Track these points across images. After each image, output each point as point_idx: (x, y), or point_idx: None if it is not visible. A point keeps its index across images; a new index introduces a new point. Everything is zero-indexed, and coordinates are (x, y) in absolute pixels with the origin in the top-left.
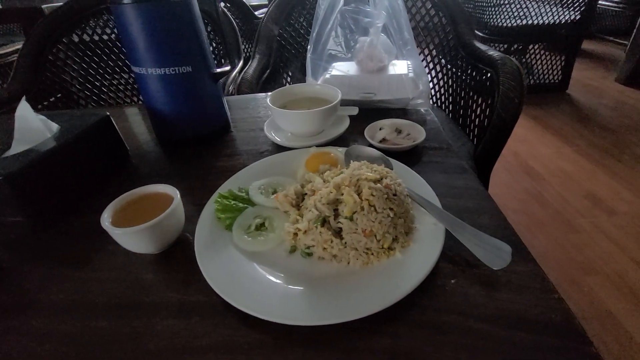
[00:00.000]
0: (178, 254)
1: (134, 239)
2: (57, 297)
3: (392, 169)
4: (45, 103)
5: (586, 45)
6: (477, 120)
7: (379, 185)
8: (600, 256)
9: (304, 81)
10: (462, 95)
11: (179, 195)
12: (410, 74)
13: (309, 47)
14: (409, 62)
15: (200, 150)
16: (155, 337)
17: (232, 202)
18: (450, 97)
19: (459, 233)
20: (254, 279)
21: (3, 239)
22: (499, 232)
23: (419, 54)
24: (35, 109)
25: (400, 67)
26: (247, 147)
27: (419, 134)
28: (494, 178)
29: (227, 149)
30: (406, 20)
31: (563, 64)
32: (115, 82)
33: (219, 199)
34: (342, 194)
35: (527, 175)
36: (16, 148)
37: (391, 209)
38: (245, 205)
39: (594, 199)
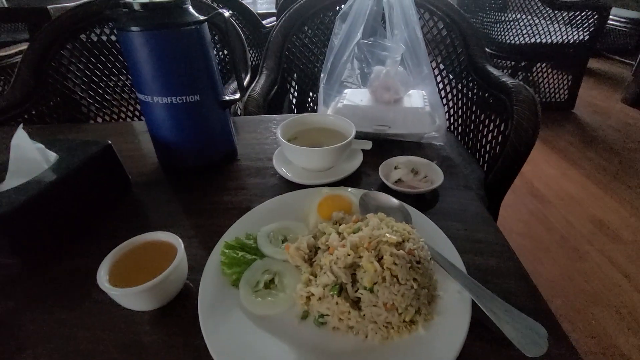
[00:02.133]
0: (179, 309)
1: (133, 300)
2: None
3: (411, 221)
4: (45, 108)
5: (592, 63)
6: (488, 146)
7: (401, 252)
8: (607, 286)
9: (310, 98)
10: (473, 118)
11: (182, 246)
12: (427, 108)
13: (322, 75)
14: (424, 93)
15: (206, 179)
16: None
17: (240, 254)
18: (460, 119)
19: (487, 307)
20: (264, 350)
21: None
22: (527, 303)
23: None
24: (36, 111)
25: (416, 98)
26: (254, 180)
27: (436, 176)
28: None
29: (233, 181)
30: (425, 54)
31: (570, 83)
32: (118, 89)
33: (226, 250)
34: (361, 257)
35: (533, 196)
36: (10, 182)
37: (415, 279)
38: (253, 256)
39: (600, 224)
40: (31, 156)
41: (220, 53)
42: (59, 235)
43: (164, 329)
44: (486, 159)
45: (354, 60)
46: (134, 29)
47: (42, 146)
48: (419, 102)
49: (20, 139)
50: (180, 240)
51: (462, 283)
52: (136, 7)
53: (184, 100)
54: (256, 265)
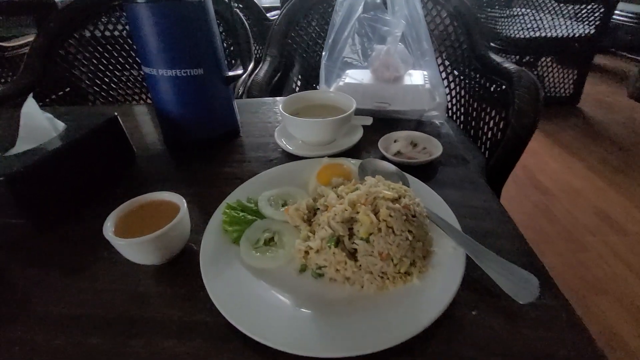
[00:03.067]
0: (181, 265)
1: (137, 250)
2: (52, 308)
3: (408, 186)
4: (53, 97)
5: (598, 59)
6: (489, 132)
7: (397, 205)
8: (609, 276)
9: (314, 86)
10: (475, 106)
11: (185, 205)
12: (427, 85)
13: (324, 53)
14: (425, 73)
15: (208, 154)
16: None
17: (241, 213)
18: (462, 108)
19: (481, 260)
20: (262, 300)
21: (3, 241)
22: (521, 259)
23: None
24: (43, 102)
25: (416, 77)
26: (256, 154)
27: (435, 149)
28: (502, 191)
29: (235, 155)
30: (425, 30)
31: (575, 77)
32: (124, 78)
33: (227, 210)
34: (358, 213)
35: (536, 189)
36: (20, 146)
37: (410, 232)
38: (254, 217)
39: (604, 217)
40: (40, 124)
41: (225, 43)
42: (66, 200)
43: (168, 283)
44: (487, 146)
45: (355, 36)
46: (140, 0)
47: (51, 116)
48: (420, 80)
49: (30, 107)
50: (183, 199)
51: (456, 239)
52: None
53: (188, 74)
54: (257, 225)
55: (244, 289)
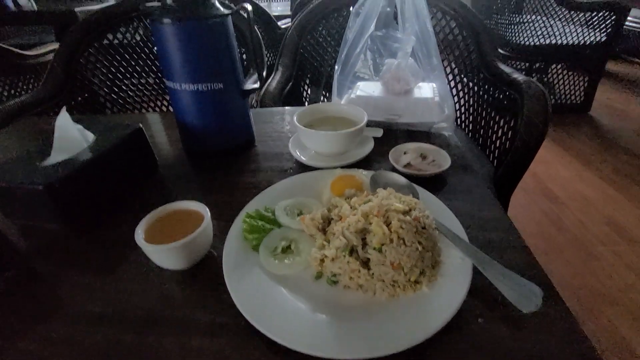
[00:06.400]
0: (205, 270)
1: (165, 256)
2: (86, 307)
3: (418, 198)
4: (72, 103)
5: (610, 66)
6: (498, 142)
7: (408, 217)
8: (620, 287)
9: (324, 93)
10: (484, 115)
11: (209, 214)
12: (436, 98)
13: (336, 67)
14: (434, 85)
15: (226, 163)
16: (185, 356)
17: (259, 222)
18: (471, 117)
19: (487, 270)
20: (281, 304)
21: (39, 244)
22: (526, 270)
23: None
24: (59, 109)
25: (426, 90)
26: (271, 164)
27: (444, 161)
28: (511, 199)
29: (251, 164)
30: (435, 46)
31: (586, 84)
32: (141, 86)
33: (247, 219)
34: (371, 224)
35: (546, 197)
36: (55, 157)
37: (420, 243)
38: (272, 226)
39: (615, 226)
40: (72, 135)
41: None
42: (96, 206)
43: (192, 285)
44: (496, 155)
45: (367, 52)
46: (166, 21)
47: (82, 127)
48: (429, 93)
49: (64, 119)
50: (207, 208)
51: (463, 250)
52: (168, 1)
53: (209, 88)
54: (274, 233)
55: (263, 293)
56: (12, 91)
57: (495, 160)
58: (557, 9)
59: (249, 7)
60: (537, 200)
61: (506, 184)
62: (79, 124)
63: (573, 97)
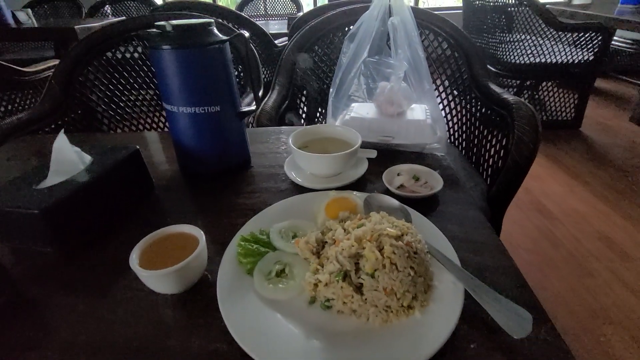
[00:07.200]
0: (199, 294)
1: (159, 281)
2: (78, 336)
3: (411, 221)
4: (67, 119)
5: (600, 83)
6: (490, 160)
7: (400, 242)
8: (616, 304)
9: (320, 110)
10: (476, 133)
11: (204, 238)
12: (429, 120)
13: (331, 90)
14: (426, 107)
15: (222, 184)
16: None
17: (254, 246)
18: (464, 134)
19: (479, 295)
20: (274, 330)
21: (31, 268)
22: (517, 295)
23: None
24: (56, 126)
25: (418, 112)
26: (267, 185)
27: (436, 183)
28: (506, 214)
29: (248, 186)
30: (427, 72)
31: (576, 101)
32: (138, 102)
33: (241, 243)
34: (364, 248)
35: (539, 213)
36: (52, 179)
37: (412, 268)
38: (267, 249)
39: (609, 241)
40: (69, 158)
41: (235, 70)
42: (90, 229)
43: (186, 311)
44: (489, 173)
45: (361, 77)
46: (165, 47)
47: (79, 149)
48: (421, 115)
49: (61, 142)
50: (202, 232)
51: (455, 274)
52: (168, 28)
53: (206, 110)
54: (269, 257)
55: (257, 319)
56: (10, 107)
57: (489, 178)
58: (545, 29)
59: (246, 33)
60: (530, 216)
61: (499, 201)
62: (77, 145)
63: (564, 114)
